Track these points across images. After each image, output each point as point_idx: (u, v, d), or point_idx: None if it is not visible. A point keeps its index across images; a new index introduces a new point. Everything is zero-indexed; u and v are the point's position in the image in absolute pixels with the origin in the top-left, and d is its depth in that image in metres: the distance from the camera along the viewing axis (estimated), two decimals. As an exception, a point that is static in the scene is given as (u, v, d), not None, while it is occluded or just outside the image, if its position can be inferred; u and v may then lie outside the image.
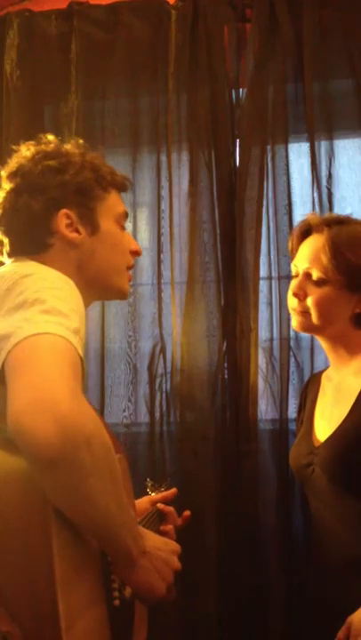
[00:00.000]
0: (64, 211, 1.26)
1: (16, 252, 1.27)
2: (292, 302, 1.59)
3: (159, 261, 2.18)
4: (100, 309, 2.17)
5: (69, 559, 0.99)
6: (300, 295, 1.57)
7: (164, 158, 2.20)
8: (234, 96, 2.19)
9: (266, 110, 2.15)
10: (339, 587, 1.47)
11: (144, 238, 2.24)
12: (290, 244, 1.67)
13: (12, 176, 1.28)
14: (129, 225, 2.21)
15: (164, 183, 2.20)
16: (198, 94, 2.17)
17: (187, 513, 1.52)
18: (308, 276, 1.56)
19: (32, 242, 1.26)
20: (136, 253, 1.38)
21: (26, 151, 1.31)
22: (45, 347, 0.95)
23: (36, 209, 1.25)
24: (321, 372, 1.73)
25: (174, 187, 2.19)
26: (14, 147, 1.33)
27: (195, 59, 2.18)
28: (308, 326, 1.59)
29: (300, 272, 1.58)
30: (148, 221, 2.24)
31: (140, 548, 1.07)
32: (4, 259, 1.30)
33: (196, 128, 2.18)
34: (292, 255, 1.66)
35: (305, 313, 1.57)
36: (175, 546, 1.18)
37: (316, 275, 1.54)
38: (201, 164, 2.17)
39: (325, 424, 1.58)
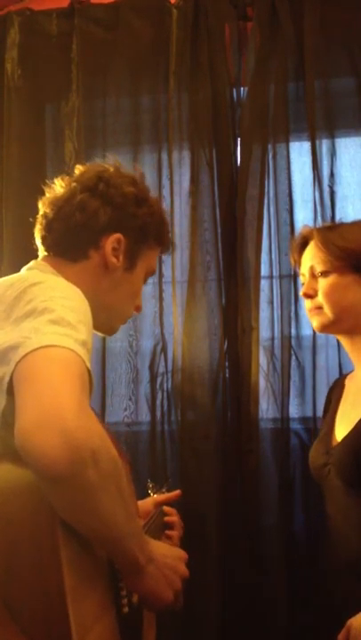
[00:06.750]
0: (119, 235, 1.29)
1: (51, 249, 1.29)
2: (307, 304, 1.63)
3: (160, 260, 2.16)
4: (101, 308, 2.17)
5: (79, 570, 0.98)
6: (311, 293, 1.60)
7: (165, 157, 2.20)
8: (235, 94, 2.19)
9: (267, 109, 2.15)
10: (347, 589, 1.47)
11: (145, 237, 2.23)
12: (292, 261, 1.74)
13: (94, 178, 1.31)
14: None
15: (166, 182, 2.19)
16: (199, 93, 2.17)
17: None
18: (313, 275, 1.61)
19: (76, 245, 1.28)
20: (137, 309, 1.42)
21: (116, 163, 1.36)
22: (53, 360, 0.95)
23: (100, 218, 1.28)
24: (346, 375, 1.74)
25: (175, 185, 2.19)
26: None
27: (196, 57, 2.18)
28: (326, 322, 1.60)
29: (307, 275, 1.63)
30: (150, 220, 2.23)
31: (147, 555, 1.07)
32: (40, 251, 1.32)
33: (197, 127, 2.17)
34: (297, 269, 1.71)
35: (319, 310, 1.59)
36: (181, 552, 1.18)
37: (319, 268, 1.59)
38: (202, 162, 2.17)
39: (344, 425, 1.57)
